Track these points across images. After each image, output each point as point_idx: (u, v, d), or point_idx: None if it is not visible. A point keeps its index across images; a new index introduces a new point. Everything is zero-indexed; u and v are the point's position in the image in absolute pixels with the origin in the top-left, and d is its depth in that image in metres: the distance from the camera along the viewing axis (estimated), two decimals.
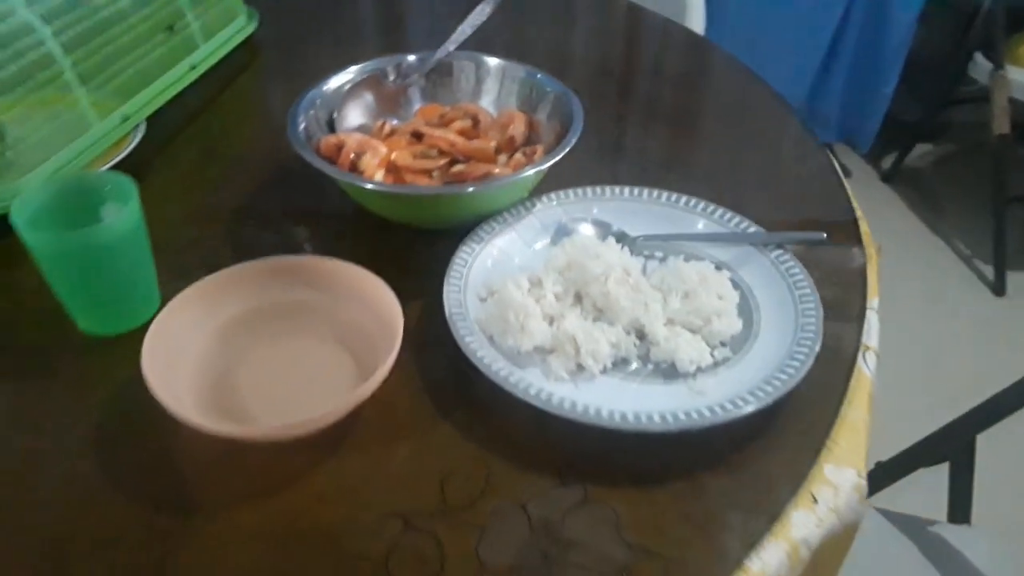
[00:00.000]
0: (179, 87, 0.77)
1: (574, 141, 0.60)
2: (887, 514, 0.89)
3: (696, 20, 1.01)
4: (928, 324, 1.75)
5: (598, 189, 0.64)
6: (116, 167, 0.67)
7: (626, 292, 0.53)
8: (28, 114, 0.64)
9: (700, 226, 0.61)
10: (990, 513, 0.97)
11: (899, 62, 1.88)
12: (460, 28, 0.71)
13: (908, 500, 0.94)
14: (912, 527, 0.88)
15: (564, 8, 1.07)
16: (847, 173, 2.20)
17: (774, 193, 0.71)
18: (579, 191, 0.64)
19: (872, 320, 0.58)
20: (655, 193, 0.63)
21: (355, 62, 0.69)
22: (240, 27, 0.89)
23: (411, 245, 0.62)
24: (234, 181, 0.71)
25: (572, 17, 1.05)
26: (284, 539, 0.44)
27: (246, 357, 0.51)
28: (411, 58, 0.69)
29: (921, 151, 2.21)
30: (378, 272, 0.52)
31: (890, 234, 1.98)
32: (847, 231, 0.65)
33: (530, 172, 0.58)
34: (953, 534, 0.88)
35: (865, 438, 0.51)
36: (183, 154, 0.73)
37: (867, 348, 0.56)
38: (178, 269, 0.54)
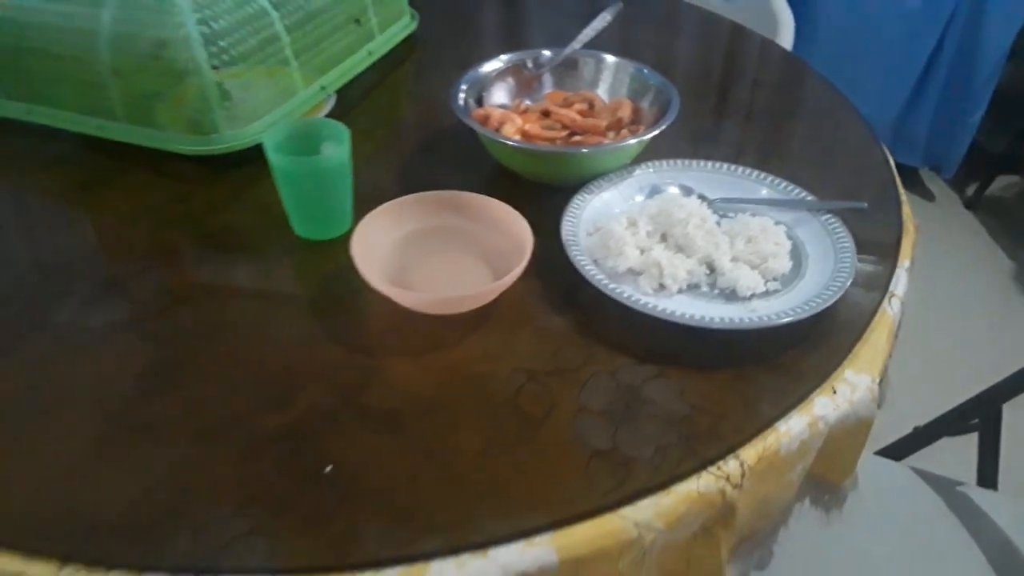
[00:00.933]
0: (360, 67, 0.97)
1: (669, 121, 0.78)
2: (921, 473, 1.01)
3: (786, 38, 1.17)
4: (1004, 346, 1.82)
5: (686, 161, 0.80)
6: None
7: (702, 234, 0.70)
8: (252, 79, 0.85)
9: (763, 192, 0.77)
10: (1015, 480, 1.08)
11: (987, 94, 1.97)
12: (584, 31, 0.89)
13: (942, 462, 1.06)
14: (943, 486, 1.00)
15: (671, 21, 1.23)
16: (930, 197, 2.28)
17: (834, 181, 0.86)
18: (670, 162, 0.80)
19: (901, 276, 0.73)
20: (730, 166, 0.79)
21: (496, 56, 0.88)
22: (405, 25, 1.09)
23: (538, 195, 0.79)
24: (398, 141, 0.91)
25: (677, 28, 1.22)
26: (442, 382, 0.62)
27: (417, 261, 0.70)
28: (546, 52, 0.88)
29: (1005, 182, 2.27)
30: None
31: (970, 260, 2.05)
32: (891, 212, 0.80)
33: (631, 142, 0.76)
34: (980, 496, 1.00)
35: (883, 357, 0.66)
36: (361, 120, 0.93)
37: (893, 295, 0.71)
38: (361, 200, 0.74)
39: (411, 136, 0.92)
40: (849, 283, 0.66)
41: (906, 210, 0.81)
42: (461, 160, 0.85)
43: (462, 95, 0.81)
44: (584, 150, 0.77)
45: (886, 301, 0.70)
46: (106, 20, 0.78)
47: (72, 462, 0.55)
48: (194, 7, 0.77)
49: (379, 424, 0.58)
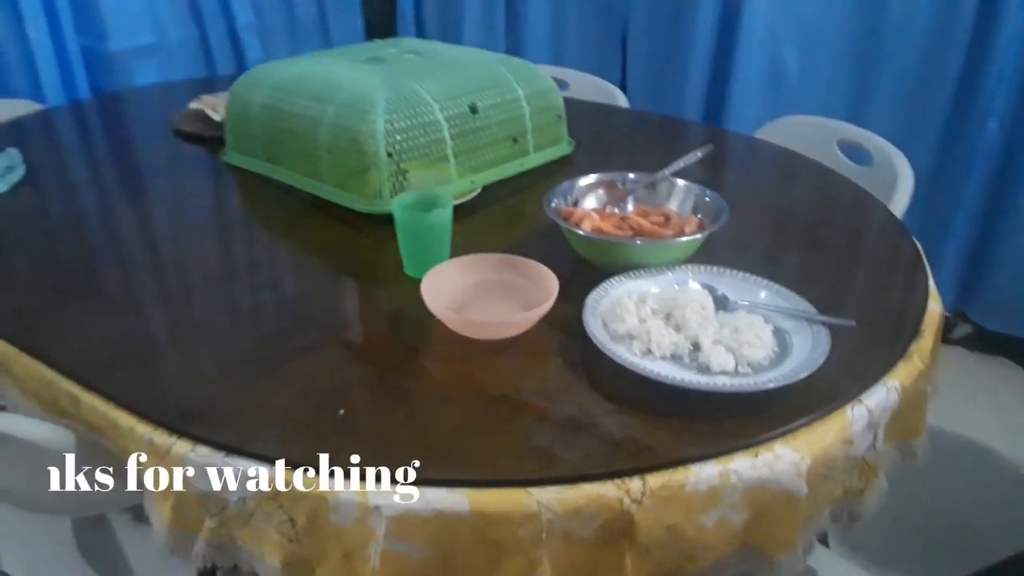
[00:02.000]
0: (508, 173, 1.25)
1: (705, 234, 0.94)
2: None
3: (900, 200, 1.25)
4: None
5: (722, 268, 0.95)
6: (457, 206, 1.15)
7: (696, 318, 0.85)
8: (422, 168, 1.15)
9: (763, 295, 0.89)
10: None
11: None
12: (674, 163, 1.09)
13: None
14: None
15: (788, 169, 1.37)
16: None
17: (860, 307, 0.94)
18: (708, 267, 0.95)
19: (881, 392, 0.80)
20: (756, 277, 0.93)
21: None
22: (562, 149, 1.36)
23: (596, 277, 0.98)
24: (511, 228, 1.16)
25: (794, 178, 1.36)
26: (457, 378, 0.83)
27: (474, 300, 0.93)
28: (631, 175, 1.09)
29: None
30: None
31: None
32: (901, 341, 0.88)
33: (664, 241, 0.94)
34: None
35: (826, 447, 0.75)
36: (494, 207, 1.20)
37: (860, 402, 0.79)
38: (460, 256, 0.98)
39: (523, 226, 1.16)
40: (788, 382, 0.76)
41: (924, 346, 0.88)
42: (549, 248, 1.05)
43: (557, 199, 1.04)
44: (626, 242, 0.96)
45: (851, 406, 0.78)
46: (329, 113, 1.14)
47: None
48: (384, 112, 1.10)
49: (398, 394, 0.81)
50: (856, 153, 1.48)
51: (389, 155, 1.09)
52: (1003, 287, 2.06)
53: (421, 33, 2.69)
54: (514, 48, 2.54)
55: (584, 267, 1.00)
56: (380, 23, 2.84)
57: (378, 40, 1.42)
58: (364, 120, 1.09)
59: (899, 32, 1.93)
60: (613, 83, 1.82)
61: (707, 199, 1.04)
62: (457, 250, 1.00)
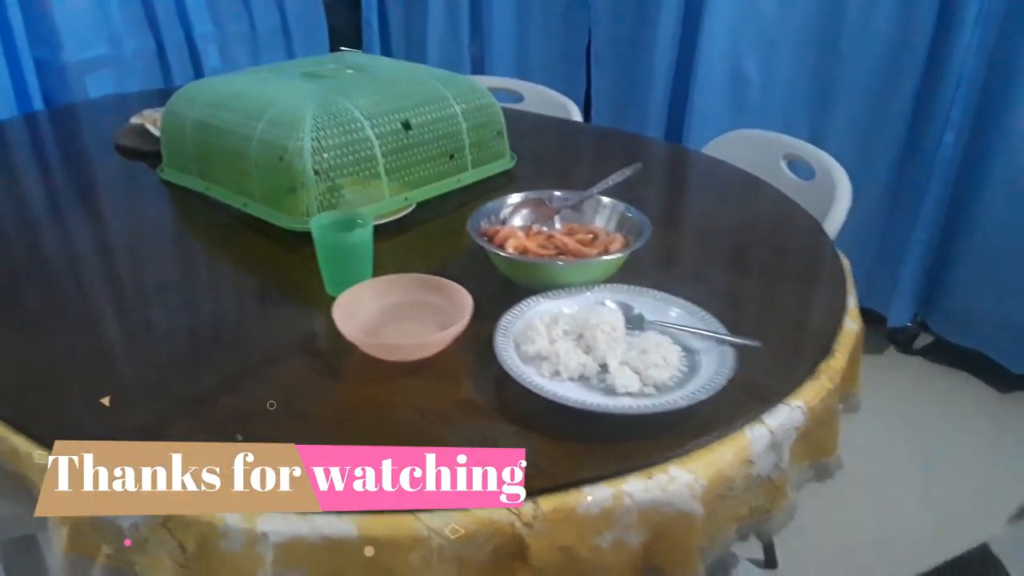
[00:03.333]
0: (445, 190, 1.25)
1: (626, 253, 0.94)
2: None
3: (838, 212, 1.26)
4: None
5: (641, 288, 0.95)
6: (390, 223, 1.16)
7: (605, 339, 0.85)
8: (355, 185, 1.15)
9: (673, 314, 0.90)
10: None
11: None
12: (602, 181, 1.09)
13: None
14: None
15: (724, 185, 1.38)
16: None
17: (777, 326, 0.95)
18: (628, 286, 0.96)
19: (784, 412, 0.81)
20: (673, 296, 0.93)
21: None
22: (503, 164, 1.36)
23: (519, 296, 0.98)
24: (439, 246, 1.16)
25: (729, 194, 1.36)
26: (367, 397, 0.83)
27: (390, 323, 0.93)
28: (557, 193, 1.09)
29: None
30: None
31: None
32: (808, 360, 0.88)
33: (587, 262, 0.94)
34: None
35: (724, 468, 0.75)
36: (428, 224, 1.20)
37: (761, 422, 0.79)
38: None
39: (456, 244, 1.15)
40: (685, 404, 0.77)
41: (835, 364, 0.88)
42: (479, 267, 1.04)
43: (483, 218, 1.05)
44: (546, 262, 0.96)
45: (750, 426, 0.79)
46: (258, 130, 1.13)
47: None
48: (312, 129, 1.09)
49: (299, 418, 0.81)
50: (802, 168, 1.48)
51: (316, 173, 1.09)
52: (962, 299, 2.07)
53: (386, 42, 2.70)
54: (478, 62, 2.55)
55: (509, 287, 1.00)
56: (345, 32, 2.85)
57: (320, 55, 1.42)
58: (291, 137, 1.09)
59: (857, 47, 1.94)
60: (579, 97, 1.83)
61: (632, 217, 1.05)
62: (386, 268, 0.99)
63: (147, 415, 0.81)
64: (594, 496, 0.71)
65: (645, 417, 0.77)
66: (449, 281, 0.93)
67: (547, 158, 1.52)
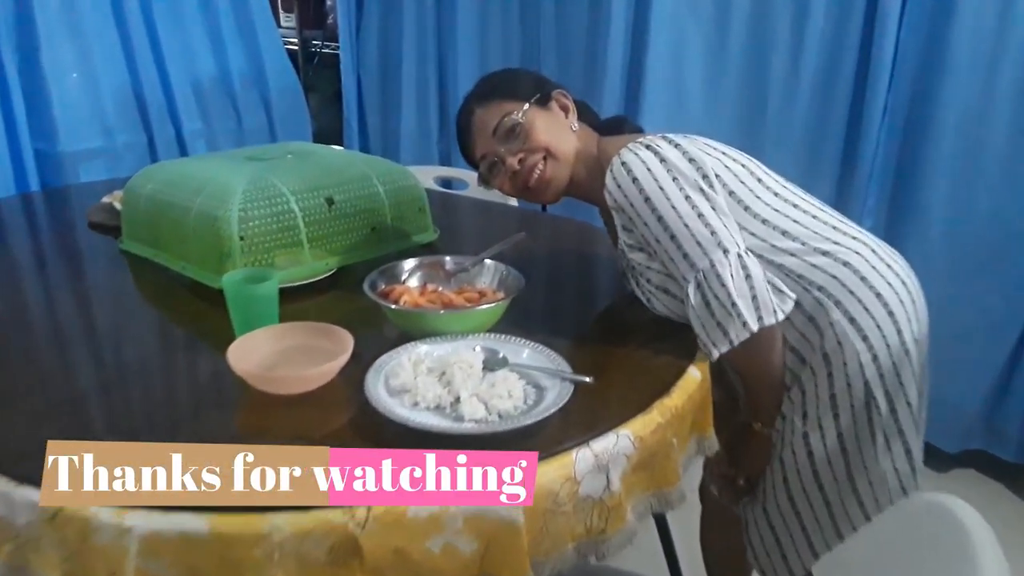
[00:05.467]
0: (366, 256, 1.39)
1: (495, 306, 1.08)
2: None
3: None
4: None
5: (509, 336, 1.07)
6: (313, 284, 1.30)
7: (461, 375, 0.97)
8: (283, 252, 1.30)
9: (525, 355, 1.02)
10: None
11: None
12: (492, 248, 1.24)
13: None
14: None
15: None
16: None
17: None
18: (500, 336, 1.08)
19: (613, 439, 0.91)
20: (532, 343, 1.05)
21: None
22: (425, 236, 1.51)
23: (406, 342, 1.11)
24: (343, 303, 1.28)
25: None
26: (251, 437, 0.95)
27: (282, 364, 1.05)
28: (448, 258, 1.24)
29: None
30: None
31: None
32: (643, 395, 0.99)
33: (462, 311, 1.07)
34: None
35: (549, 484, 0.85)
36: (350, 287, 1.33)
37: (587, 445, 0.89)
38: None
39: (363, 302, 1.23)
40: (514, 427, 0.88)
41: (669, 403, 0.99)
42: (380, 321, 1.18)
43: (380, 278, 1.18)
44: (426, 312, 1.09)
45: (576, 449, 0.89)
46: (197, 203, 1.30)
47: None
48: (241, 201, 1.25)
49: (181, 437, 0.92)
50: None
51: (241, 238, 1.24)
52: None
53: (364, 140, 2.92)
54: (445, 155, 2.76)
55: (402, 338, 1.12)
56: (329, 131, 3.09)
57: (269, 144, 1.60)
58: (222, 207, 1.25)
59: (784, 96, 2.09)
60: None
61: (510, 276, 1.18)
62: (300, 320, 1.12)
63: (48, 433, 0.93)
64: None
65: (483, 438, 0.88)
66: (337, 327, 1.06)
67: (470, 234, 1.67)
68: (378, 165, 1.48)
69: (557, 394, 0.95)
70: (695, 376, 1.06)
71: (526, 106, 1.21)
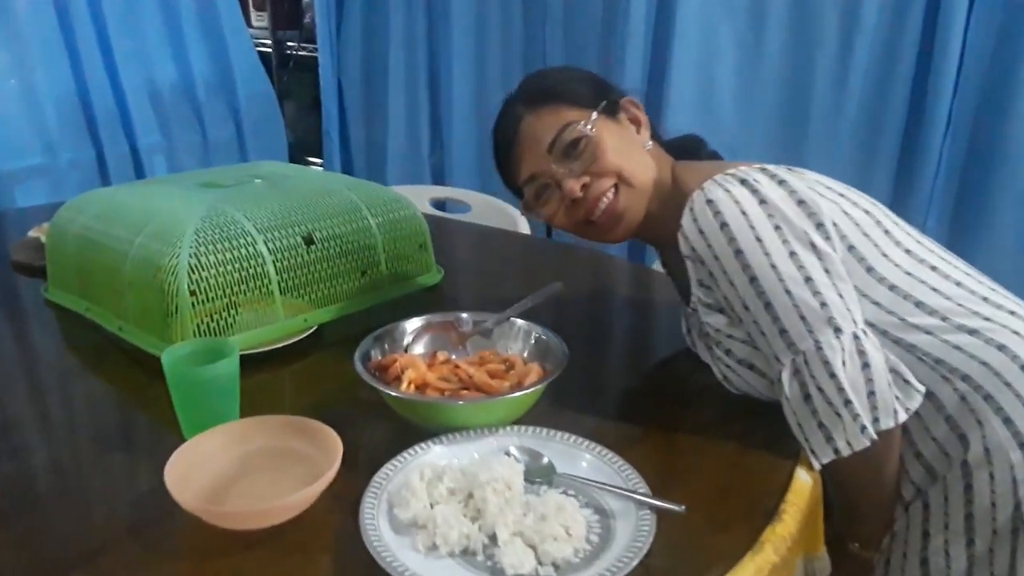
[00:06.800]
0: (354, 309, 1.11)
1: (535, 390, 0.80)
2: None
3: None
4: None
5: (551, 431, 0.80)
6: (286, 348, 1.01)
7: (497, 501, 0.69)
8: (250, 305, 1.02)
9: (584, 463, 0.75)
10: None
11: None
12: (516, 305, 0.96)
13: None
14: None
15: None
16: None
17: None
18: (536, 429, 0.81)
19: None
20: (588, 443, 0.78)
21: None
22: (429, 279, 1.23)
23: (411, 437, 0.82)
24: (325, 373, 1.01)
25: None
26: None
27: (249, 475, 0.77)
28: (464, 316, 0.96)
29: None
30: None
31: None
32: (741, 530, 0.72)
33: (488, 402, 0.79)
34: None
35: None
36: (333, 352, 1.04)
37: None
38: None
39: (348, 372, 0.95)
40: None
41: (787, 530, 0.72)
42: (377, 403, 0.89)
43: (375, 347, 0.90)
44: (441, 402, 0.81)
45: None
46: (135, 246, 1.01)
47: None
48: (192, 245, 0.97)
49: None
50: None
51: (193, 294, 0.95)
52: None
53: (346, 153, 2.64)
54: (439, 172, 2.48)
55: (407, 428, 0.84)
56: (307, 143, 2.80)
57: (236, 164, 1.32)
58: (167, 252, 0.96)
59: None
60: None
61: (549, 342, 0.90)
62: (269, 403, 0.88)
63: None
64: None
65: None
66: (319, 424, 0.78)
67: (482, 273, 1.39)
68: (368, 191, 1.20)
69: (633, 526, 0.68)
70: (805, 482, 0.79)
71: (594, 115, 0.93)
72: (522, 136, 0.95)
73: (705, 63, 1.88)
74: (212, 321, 0.98)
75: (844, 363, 0.77)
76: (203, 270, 0.96)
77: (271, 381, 0.99)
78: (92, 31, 2.03)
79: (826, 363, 0.77)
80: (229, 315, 0.99)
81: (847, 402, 0.76)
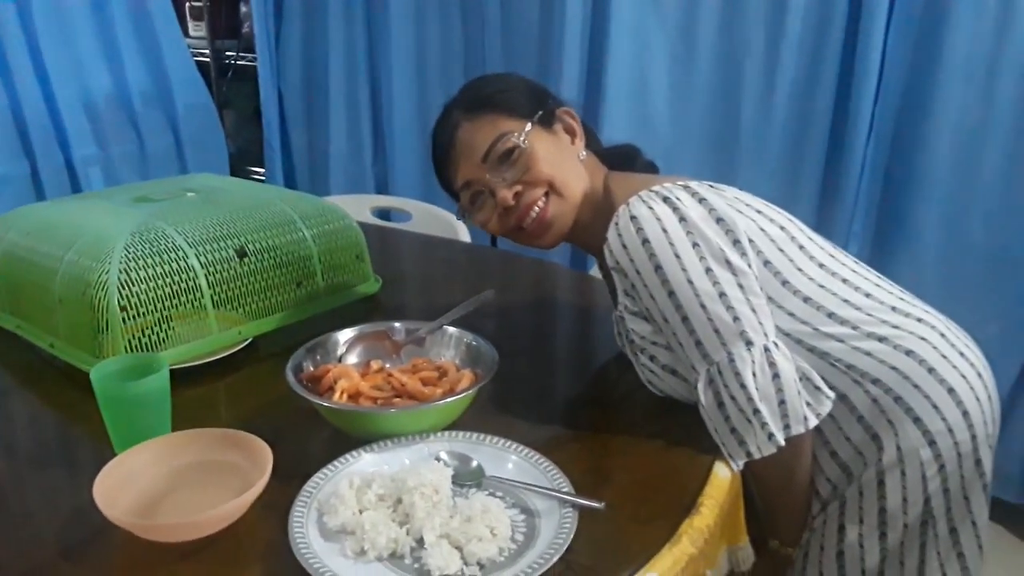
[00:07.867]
0: (289, 321, 1.12)
1: (465, 395, 0.82)
2: None
3: None
4: None
5: (481, 435, 0.82)
6: (221, 361, 1.02)
7: (424, 505, 0.70)
8: (184, 319, 1.02)
9: (510, 465, 0.78)
10: None
11: None
12: (448, 313, 0.98)
13: None
14: None
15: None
16: None
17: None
18: (467, 434, 0.82)
19: None
20: (516, 446, 0.80)
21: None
22: (365, 288, 1.24)
23: (345, 445, 0.83)
24: (263, 386, 1.00)
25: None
26: None
27: (180, 489, 0.77)
28: (397, 325, 0.97)
29: None
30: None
31: None
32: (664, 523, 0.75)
33: (418, 409, 0.81)
34: None
35: None
36: (268, 364, 1.05)
37: None
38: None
39: (282, 384, 0.92)
40: None
41: (704, 522, 0.75)
42: (311, 414, 0.90)
43: (308, 357, 0.91)
44: (371, 411, 0.83)
45: None
46: (64, 262, 1.00)
47: None
48: (122, 260, 0.96)
49: None
50: None
51: (124, 309, 0.95)
52: None
53: (288, 163, 2.62)
54: (382, 181, 2.48)
55: (340, 437, 0.85)
56: (249, 153, 2.78)
57: (169, 177, 1.31)
58: (96, 268, 0.96)
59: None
60: None
61: (481, 348, 0.93)
62: (202, 417, 0.87)
63: None
64: None
65: None
66: (249, 436, 0.79)
67: (422, 281, 1.41)
68: (303, 204, 1.20)
69: (556, 524, 0.70)
70: (723, 477, 0.82)
71: (528, 126, 0.95)
72: (459, 143, 0.97)
73: (639, 71, 1.93)
74: (144, 336, 0.98)
75: (755, 374, 0.81)
76: (133, 285, 0.96)
77: (206, 394, 1.00)
78: (23, 42, 1.99)
79: (737, 374, 0.81)
80: (162, 329, 0.99)
81: (756, 411, 0.80)
